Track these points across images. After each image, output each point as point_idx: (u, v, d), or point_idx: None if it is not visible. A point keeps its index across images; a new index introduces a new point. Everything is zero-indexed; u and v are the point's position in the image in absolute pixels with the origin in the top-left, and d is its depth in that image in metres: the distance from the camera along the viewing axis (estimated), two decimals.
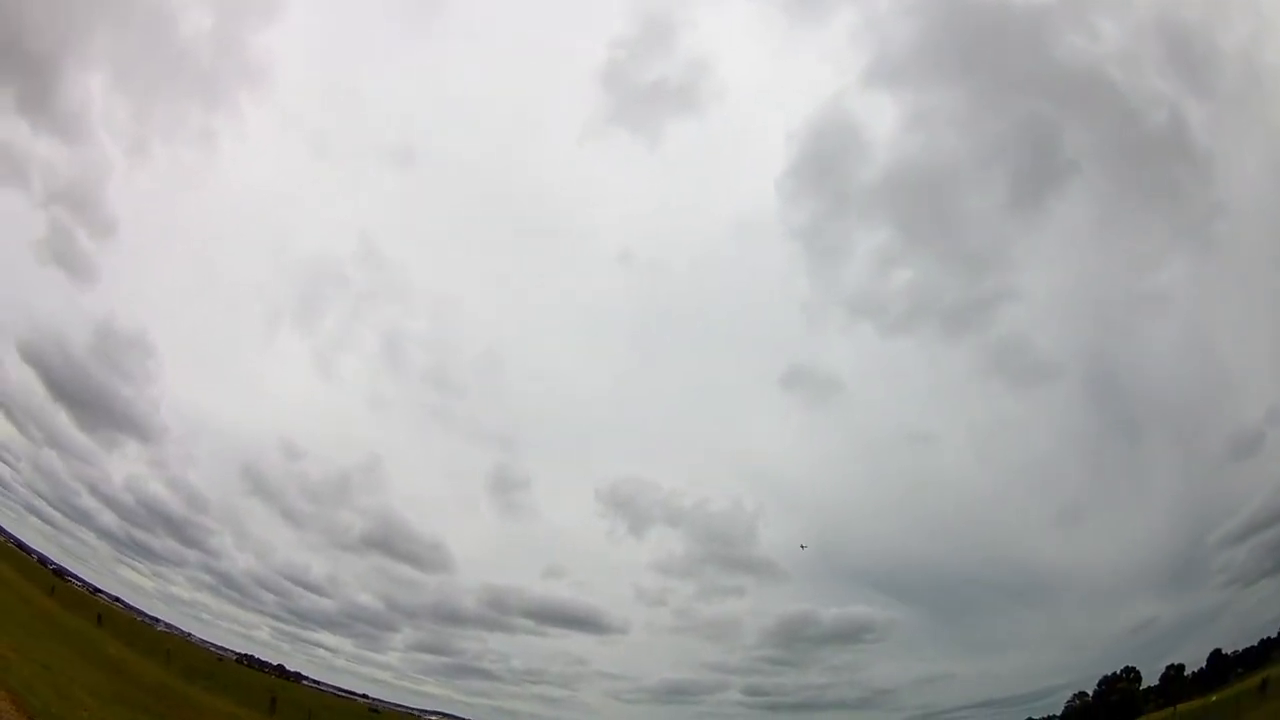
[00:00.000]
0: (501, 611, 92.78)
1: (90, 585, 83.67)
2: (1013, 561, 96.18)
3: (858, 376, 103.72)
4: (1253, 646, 70.51)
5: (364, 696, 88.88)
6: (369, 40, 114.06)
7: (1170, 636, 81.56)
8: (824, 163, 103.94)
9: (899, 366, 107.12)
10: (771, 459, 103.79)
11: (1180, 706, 64.49)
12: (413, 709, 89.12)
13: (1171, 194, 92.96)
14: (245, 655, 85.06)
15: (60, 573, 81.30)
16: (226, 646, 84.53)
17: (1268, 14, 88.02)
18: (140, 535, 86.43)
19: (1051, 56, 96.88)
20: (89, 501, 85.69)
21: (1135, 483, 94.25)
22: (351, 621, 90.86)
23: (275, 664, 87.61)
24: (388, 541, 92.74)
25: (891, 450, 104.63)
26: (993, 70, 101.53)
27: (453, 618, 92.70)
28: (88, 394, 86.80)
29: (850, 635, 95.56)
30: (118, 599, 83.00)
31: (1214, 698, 61.65)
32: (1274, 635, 69.52)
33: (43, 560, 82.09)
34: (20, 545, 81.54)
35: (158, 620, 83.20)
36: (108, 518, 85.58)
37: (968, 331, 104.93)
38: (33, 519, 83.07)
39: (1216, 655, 72.71)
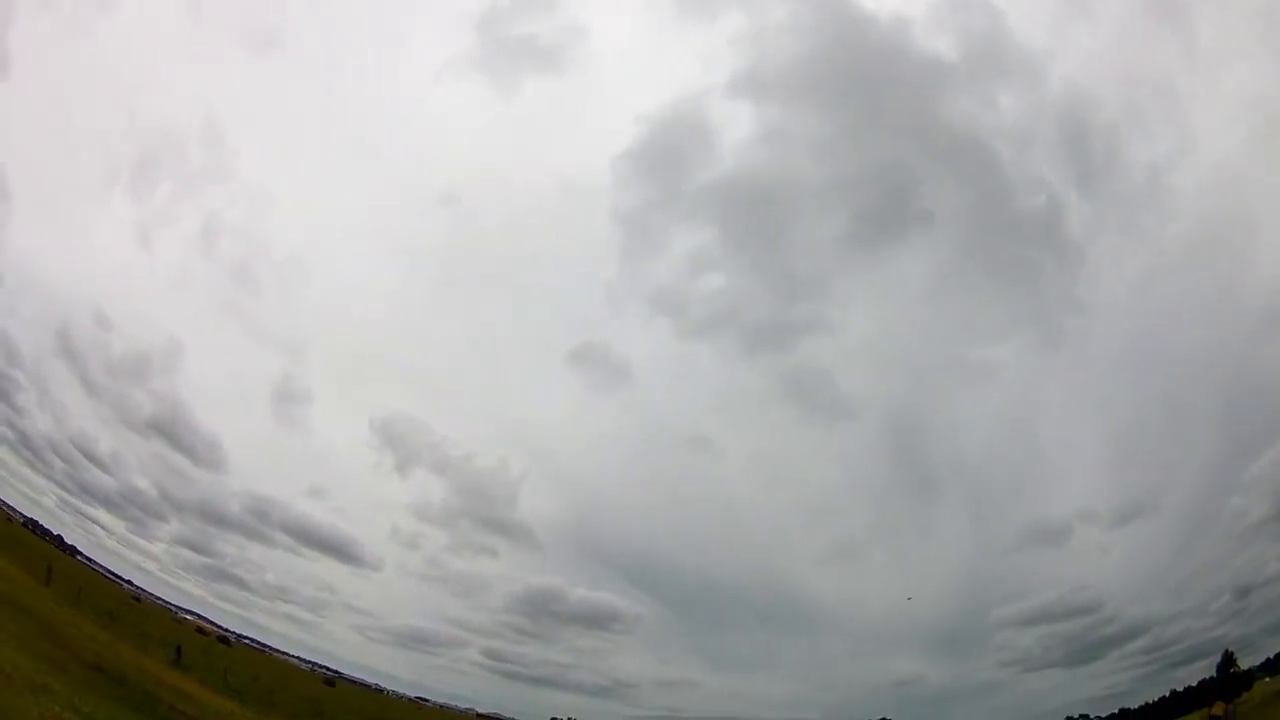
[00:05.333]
0: (263, 522, 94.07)
1: None
2: (777, 586, 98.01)
3: (648, 370, 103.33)
4: None
5: (129, 583, 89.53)
6: None
7: (936, 699, 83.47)
8: (666, 154, 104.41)
9: (691, 369, 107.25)
10: (546, 429, 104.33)
11: None
12: (170, 604, 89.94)
13: (1029, 277, 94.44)
14: (30, 520, 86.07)
15: None
16: (16, 508, 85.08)
17: (1192, 135, 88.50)
18: None
19: (936, 111, 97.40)
20: None
21: (921, 540, 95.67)
22: (127, 504, 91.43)
23: (56, 533, 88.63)
24: (171, 429, 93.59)
25: (670, 450, 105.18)
26: (868, 108, 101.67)
27: (218, 519, 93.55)
28: None
29: (596, 620, 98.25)
30: None
31: None
32: None
33: None
34: None
35: None
36: None
37: (769, 352, 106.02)
38: None
39: None
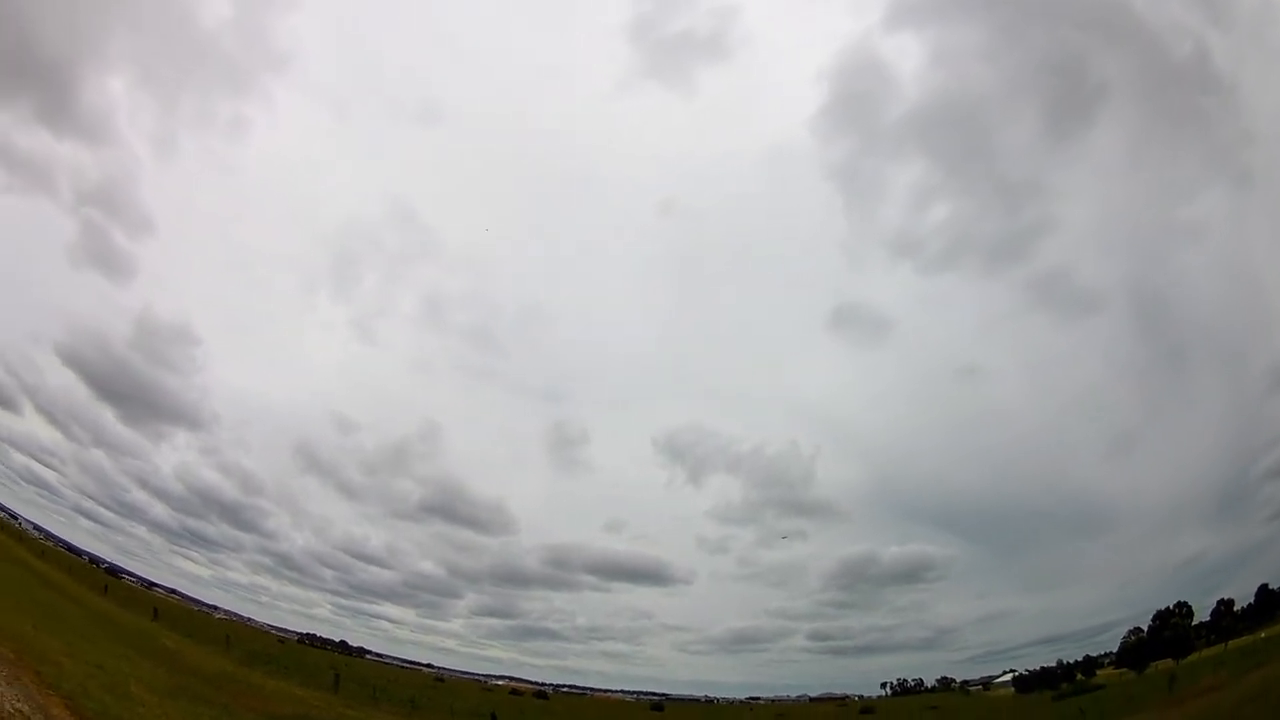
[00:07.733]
0: (564, 569, 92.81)
1: (145, 580, 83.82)
2: (1066, 493, 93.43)
3: (902, 314, 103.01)
4: None
5: (429, 666, 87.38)
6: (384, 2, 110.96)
7: (1220, 570, 79.15)
8: (854, 101, 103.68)
9: (942, 302, 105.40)
10: (824, 399, 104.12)
11: (1231, 643, 61.52)
12: (479, 675, 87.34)
13: (1200, 123, 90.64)
14: (307, 635, 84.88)
15: (114, 571, 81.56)
16: (287, 628, 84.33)
17: None
18: (194, 524, 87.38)
19: None
20: (139, 496, 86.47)
21: (1183, 412, 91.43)
22: (414, 591, 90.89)
23: (338, 640, 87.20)
24: (446, 506, 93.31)
25: (941, 386, 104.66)
26: (1011, 3, 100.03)
27: (516, 579, 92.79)
28: (132, 389, 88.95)
29: (911, 574, 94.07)
30: (174, 591, 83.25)
31: (1263, 634, 59.03)
32: None
33: (94, 561, 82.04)
34: (70, 548, 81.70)
35: (216, 608, 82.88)
36: (159, 510, 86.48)
37: (1009, 265, 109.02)
38: (83, 521, 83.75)
39: (1264, 591, 70.08)
